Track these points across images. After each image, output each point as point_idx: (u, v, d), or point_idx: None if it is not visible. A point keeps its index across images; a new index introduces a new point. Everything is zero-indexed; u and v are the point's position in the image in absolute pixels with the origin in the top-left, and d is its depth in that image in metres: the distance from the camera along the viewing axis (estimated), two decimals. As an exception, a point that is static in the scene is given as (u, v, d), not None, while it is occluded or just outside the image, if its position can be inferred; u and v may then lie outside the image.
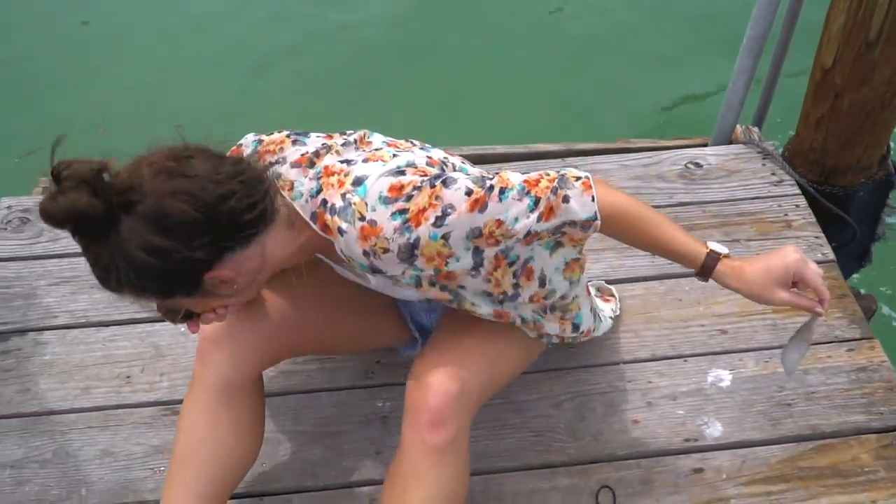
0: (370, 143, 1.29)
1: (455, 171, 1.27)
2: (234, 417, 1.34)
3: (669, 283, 1.87)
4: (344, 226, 1.13)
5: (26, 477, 1.58)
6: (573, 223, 1.17)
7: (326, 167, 1.19)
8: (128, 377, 1.74)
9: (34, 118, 3.44)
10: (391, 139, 1.33)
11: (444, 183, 1.14)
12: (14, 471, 1.59)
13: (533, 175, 1.18)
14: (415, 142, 1.35)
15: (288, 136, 1.29)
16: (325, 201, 1.16)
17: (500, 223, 1.14)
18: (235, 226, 1.06)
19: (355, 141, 1.28)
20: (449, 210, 1.12)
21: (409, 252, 1.13)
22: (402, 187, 1.14)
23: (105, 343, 1.81)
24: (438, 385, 1.22)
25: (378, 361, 1.74)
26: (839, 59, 1.87)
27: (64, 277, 1.94)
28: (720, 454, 1.57)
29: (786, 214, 2.00)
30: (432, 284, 1.22)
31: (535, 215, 1.14)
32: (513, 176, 1.17)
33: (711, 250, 1.23)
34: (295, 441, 1.62)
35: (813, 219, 2.00)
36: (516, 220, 1.14)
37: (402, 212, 1.12)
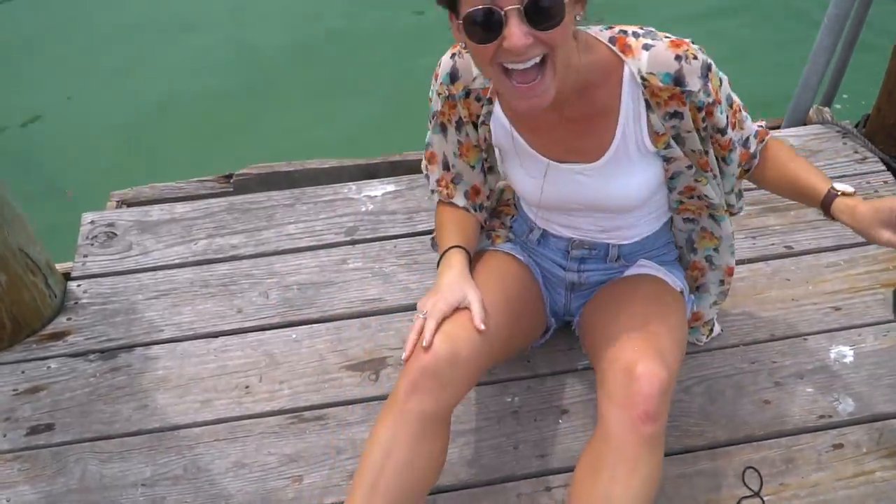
0: None
1: None
2: (432, 449, 1.29)
3: (774, 263, 1.89)
4: (650, 41, 1.22)
5: (160, 494, 1.55)
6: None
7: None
8: (247, 387, 1.71)
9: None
10: None
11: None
12: (146, 489, 1.56)
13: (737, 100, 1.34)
14: None
15: None
16: (624, 31, 1.24)
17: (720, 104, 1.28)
18: None
19: None
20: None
21: (707, 71, 1.21)
22: (679, 44, 1.23)
23: (217, 354, 1.78)
24: (651, 374, 1.20)
25: (498, 357, 1.73)
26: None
27: (162, 290, 1.91)
28: (857, 429, 1.58)
29: (876, 191, 2.03)
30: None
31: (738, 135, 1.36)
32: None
33: (832, 187, 1.30)
34: (430, 441, 1.60)
35: (902, 193, 2.02)
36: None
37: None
